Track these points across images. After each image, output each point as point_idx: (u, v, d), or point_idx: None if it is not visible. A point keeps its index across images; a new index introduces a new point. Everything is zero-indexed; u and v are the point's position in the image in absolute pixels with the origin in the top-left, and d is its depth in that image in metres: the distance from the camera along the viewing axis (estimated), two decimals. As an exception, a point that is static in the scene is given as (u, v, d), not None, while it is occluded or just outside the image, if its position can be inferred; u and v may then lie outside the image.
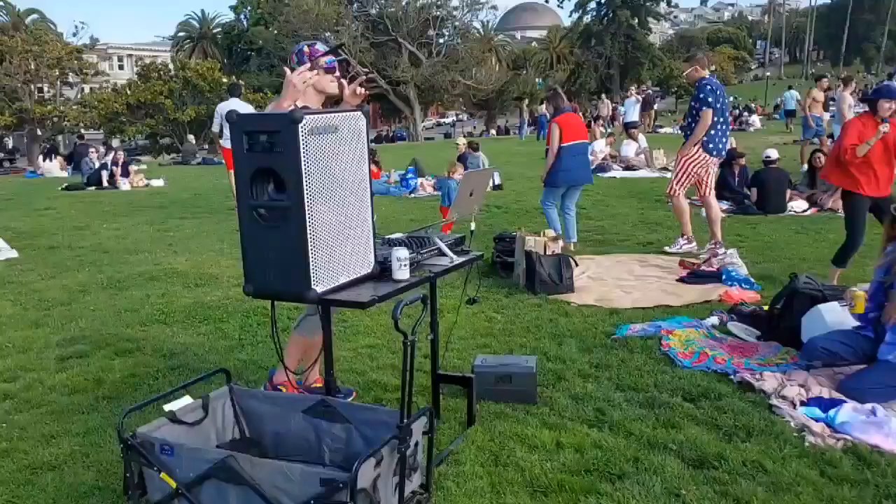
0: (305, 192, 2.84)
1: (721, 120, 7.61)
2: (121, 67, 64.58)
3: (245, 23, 64.66)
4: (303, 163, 2.81)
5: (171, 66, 43.35)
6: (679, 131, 8.96)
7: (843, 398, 3.98)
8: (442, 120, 71.60)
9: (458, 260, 3.64)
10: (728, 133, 7.87)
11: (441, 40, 47.69)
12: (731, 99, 51.11)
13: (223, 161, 12.34)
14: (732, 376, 4.40)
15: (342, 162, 3.03)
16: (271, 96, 35.43)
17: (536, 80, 60.46)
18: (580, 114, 24.37)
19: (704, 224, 8.22)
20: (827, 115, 15.95)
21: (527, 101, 47.60)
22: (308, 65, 3.69)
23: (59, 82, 41.35)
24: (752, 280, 6.52)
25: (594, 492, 3.16)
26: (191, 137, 33.01)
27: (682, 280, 6.73)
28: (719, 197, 10.99)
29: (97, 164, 17.64)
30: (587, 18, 65.20)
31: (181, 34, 71.76)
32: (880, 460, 3.41)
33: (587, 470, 3.35)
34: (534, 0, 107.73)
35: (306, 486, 2.49)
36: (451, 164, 11.49)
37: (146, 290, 6.91)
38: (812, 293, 4.98)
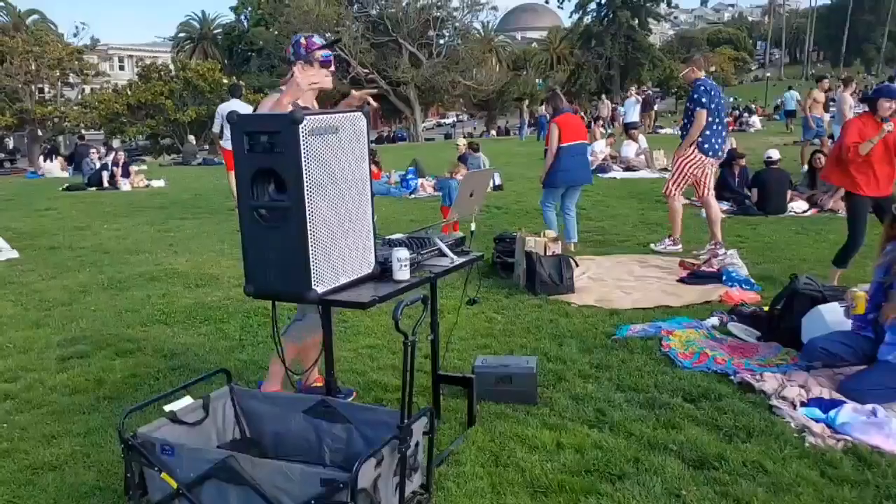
0: (306, 192, 2.84)
1: (716, 121, 7.63)
2: (121, 68, 64.60)
3: (245, 23, 64.68)
4: (303, 163, 2.82)
5: (171, 67, 43.35)
6: (679, 132, 8.97)
7: (844, 399, 3.98)
8: (442, 120, 71.57)
9: (458, 260, 3.65)
10: (725, 134, 7.89)
11: (441, 41, 47.70)
12: (732, 100, 51.21)
13: (223, 162, 12.34)
14: (733, 377, 4.40)
15: (343, 162, 3.03)
16: (271, 97, 35.29)
17: (537, 80, 60.47)
18: (581, 115, 24.46)
19: (705, 225, 8.22)
20: (827, 116, 15.95)
21: (527, 102, 47.65)
22: (316, 68, 3.72)
23: (59, 83, 41.36)
24: (753, 281, 6.52)
25: (594, 492, 3.16)
26: (191, 138, 33.02)
27: (682, 281, 6.73)
28: (720, 197, 11.01)
29: (98, 165, 17.63)
30: (587, 19, 65.19)
31: (182, 35, 71.78)
32: (881, 461, 3.41)
33: (587, 470, 3.35)
34: (534, 1, 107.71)
35: (307, 487, 2.50)
36: (452, 164, 11.50)
37: (147, 290, 6.92)
38: (812, 294, 4.98)
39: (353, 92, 3.80)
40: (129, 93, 39.72)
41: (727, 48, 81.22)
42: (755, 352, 4.83)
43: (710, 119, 7.57)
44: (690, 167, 7.77)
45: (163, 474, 2.73)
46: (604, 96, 38.54)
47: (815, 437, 3.63)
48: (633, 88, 27.14)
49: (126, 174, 17.01)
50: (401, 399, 2.79)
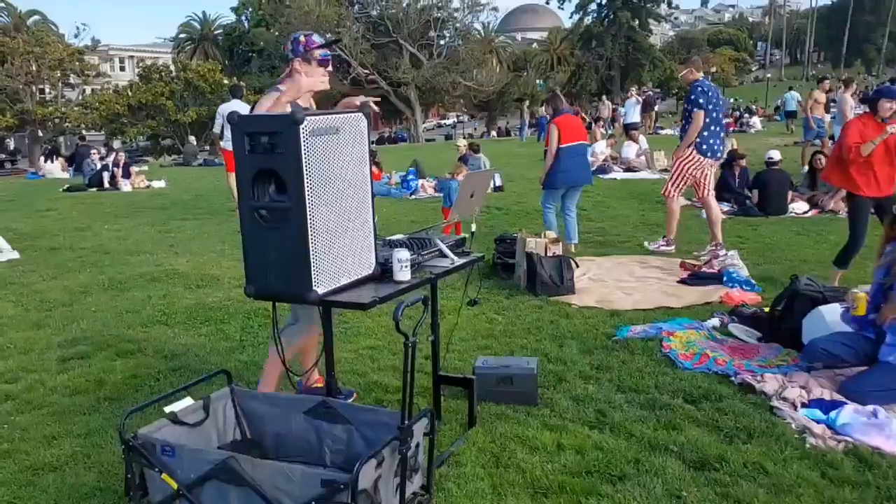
0: (306, 193, 2.84)
1: (714, 122, 7.65)
2: (122, 69, 64.63)
3: (246, 24, 64.71)
4: (304, 164, 2.82)
5: (172, 68, 43.41)
6: (678, 133, 8.99)
7: (845, 400, 3.98)
8: (443, 121, 71.59)
9: (458, 261, 3.64)
10: (723, 135, 7.91)
11: (442, 42, 47.71)
12: (732, 100, 51.21)
13: (224, 163, 12.34)
14: (733, 378, 4.40)
15: (343, 163, 3.03)
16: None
17: (537, 81, 60.52)
18: (583, 116, 24.45)
19: (705, 226, 8.23)
20: (828, 117, 15.95)
21: (527, 103, 47.61)
22: (313, 66, 3.73)
23: (60, 83, 41.42)
24: (753, 282, 6.52)
25: (595, 493, 3.16)
26: (192, 139, 33.05)
27: (682, 281, 6.73)
28: (720, 198, 11.01)
29: (98, 166, 17.64)
30: (588, 20, 65.18)
31: (182, 35, 71.80)
32: (881, 462, 3.41)
33: (588, 471, 3.35)
34: (534, 1, 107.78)
35: (307, 487, 2.50)
36: (454, 165, 11.50)
37: (147, 291, 6.92)
38: (813, 295, 4.98)
39: (357, 99, 3.79)
40: (129, 93, 39.79)
41: (727, 49, 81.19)
42: (756, 353, 4.83)
43: (707, 120, 7.59)
44: (689, 168, 7.78)
45: (163, 475, 2.73)
46: (604, 97, 38.53)
47: (815, 438, 3.63)
48: (633, 89, 27.07)
49: (127, 175, 17.01)
50: (401, 400, 2.79)
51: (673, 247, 8.14)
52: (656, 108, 31.52)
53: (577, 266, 6.68)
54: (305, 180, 2.83)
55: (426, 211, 11.72)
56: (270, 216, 2.97)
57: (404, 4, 45.93)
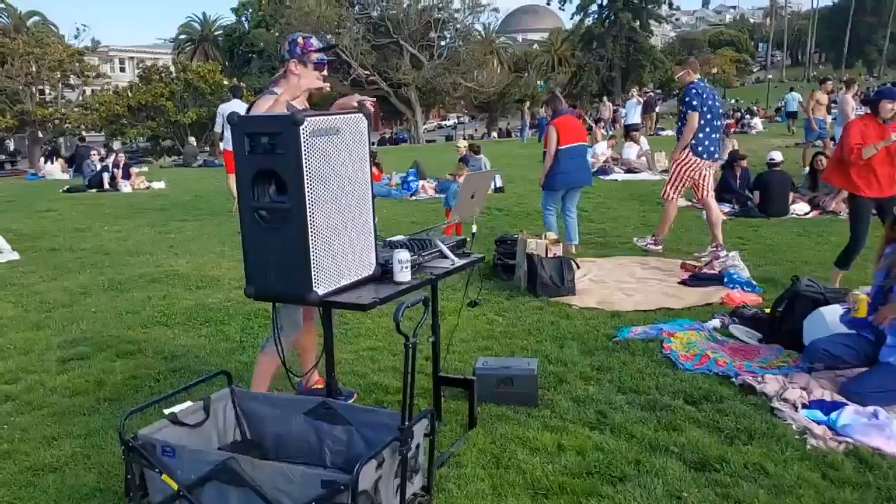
0: (307, 193, 2.84)
1: (710, 123, 7.66)
2: (122, 70, 64.66)
3: (246, 25, 64.77)
4: (304, 164, 2.81)
5: (172, 69, 43.43)
6: (677, 134, 9.00)
7: (845, 401, 3.98)
8: (443, 122, 71.60)
9: (459, 262, 3.64)
10: (719, 136, 7.91)
11: (442, 43, 47.68)
12: (733, 101, 51.22)
13: (223, 164, 12.33)
14: (734, 379, 4.39)
15: (343, 164, 3.03)
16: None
17: (538, 82, 60.46)
18: (585, 117, 24.44)
19: (706, 227, 8.22)
20: (829, 118, 15.95)
21: (528, 104, 47.60)
22: (309, 69, 3.73)
23: (60, 84, 41.43)
24: (754, 283, 6.52)
25: (595, 494, 3.15)
26: (192, 140, 33.03)
27: (683, 283, 6.72)
28: (722, 199, 11.02)
29: (98, 167, 17.64)
30: (589, 21, 65.25)
31: (182, 36, 71.85)
32: (882, 463, 3.40)
33: (588, 472, 3.35)
34: (535, 2, 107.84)
35: (307, 488, 2.49)
36: (456, 167, 11.51)
37: (147, 292, 6.92)
38: (814, 296, 4.98)
39: (353, 99, 3.78)
40: (129, 94, 39.80)
41: (729, 50, 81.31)
42: (757, 354, 4.83)
43: (702, 122, 7.61)
44: (686, 170, 7.80)
45: (163, 476, 2.72)
46: (605, 98, 38.53)
47: (816, 439, 3.63)
48: (634, 90, 27.07)
49: (126, 176, 17.01)
50: (402, 401, 2.78)
51: (660, 247, 8.17)
52: (657, 109, 31.47)
53: (578, 267, 6.68)
54: (306, 181, 2.83)
55: (426, 212, 11.72)
56: (270, 217, 2.97)
57: (405, 5, 45.92)
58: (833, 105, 17.14)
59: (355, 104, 3.69)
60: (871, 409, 3.85)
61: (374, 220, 3.26)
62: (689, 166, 7.76)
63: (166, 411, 3.01)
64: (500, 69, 55.70)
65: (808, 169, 12.76)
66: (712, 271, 6.83)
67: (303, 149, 2.80)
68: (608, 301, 6.22)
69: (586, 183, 8.40)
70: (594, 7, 64.13)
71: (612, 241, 8.93)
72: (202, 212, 12.46)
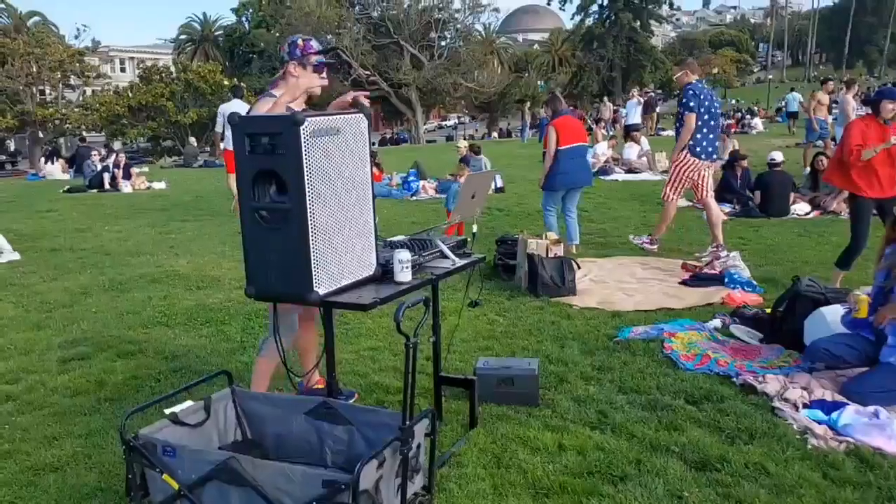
0: (307, 193, 2.84)
1: (708, 124, 7.66)
2: (122, 70, 64.69)
3: (247, 25, 64.76)
4: (305, 165, 2.81)
5: (172, 69, 43.45)
6: (675, 135, 9.01)
7: (846, 401, 3.98)
8: (444, 123, 71.60)
9: (460, 262, 3.64)
10: (717, 137, 7.90)
11: (443, 43, 47.69)
12: (734, 102, 51.20)
13: (224, 164, 12.33)
14: (735, 379, 4.39)
15: (344, 164, 3.03)
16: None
17: (538, 82, 60.44)
18: (586, 118, 24.42)
19: (707, 227, 8.22)
20: (830, 118, 15.95)
21: (529, 104, 47.62)
22: (308, 71, 3.72)
23: (60, 85, 41.48)
24: (755, 283, 6.52)
25: (596, 494, 3.15)
26: (192, 140, 33.02)
27: (684, 283, 6.72)
28: (722, 199, 11.02)
29: (99, 167, 17.64)
30: (589, 21, 65.27)
31: (183, 37, 71.85)
32: (883, 463, 3.40)
33: (589, 472, 3.35)
34: (536, 2, 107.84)
35: (308, 488, 2.49)
36: (457, 167, 11.50)
37: (148, 292, 6.92)
38: (814, 296, 4.98)
39: (348, 96, 3.77)
40: (130, 95, 39.83)
41: (729, 50, 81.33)
42: (757, 354, 4.83)
43: (699, 123, 7.62)
44: (684, 171, 7.81)
45: (164, 475, 2.72)
46: (605, 98, 38.53)
47: (817, 438, 3.63)
48: (635, 90, 27.05)
49: (127, 176, 17.01)
50: (402, 401, 2.78)
51: (656, 246, 8.18)
52: (658, 109, 31.43)
53: (579, 267, 6.68)
54: (306, 181, 2.83)
55: (427, 212, 11.72)
56: (271, 217, 2.97)
57: (405, 5, 45.93)
58: (834, 105, 17.14)
59: (350, 101, 3.70)
60: (871, 408, 3.85)
61: (374, 220, 3.26)
62: (688, 167, 7.77)
63: (167, 411, 3.01)
64: (500, 69, 55.71)
65: (808, 169, 12.76)
66: (713, 271, 6.83)
67: (303, 149, 2.80)
68: (609, 301, 6.22)
69: (586, 183, 8.40)
70: (595, 7, 64.20)
71: (613, 242, 8.92)
72: (203, 212, 12.46)
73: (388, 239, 3.66)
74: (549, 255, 6.54)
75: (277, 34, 49.66)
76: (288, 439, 3.20)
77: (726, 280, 6.51)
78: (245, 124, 2.97)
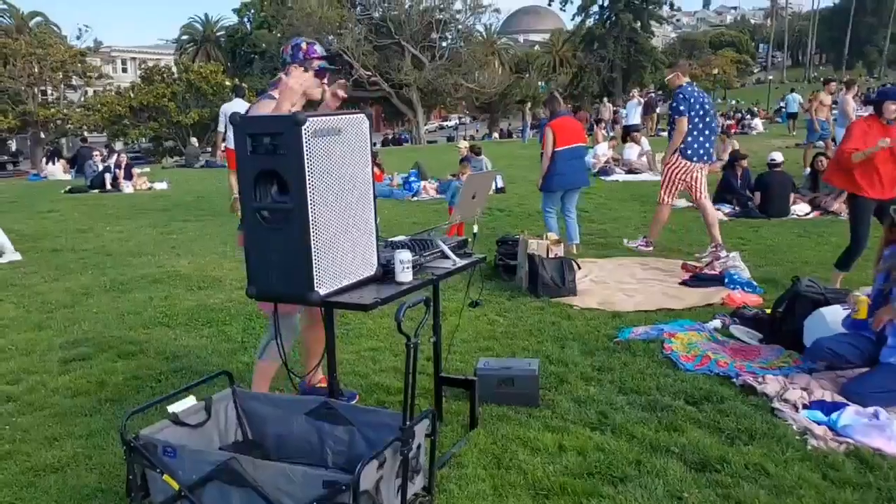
0: (308, 194, 2.84)
1: (700, 126, 7.67)
2: (124, 70, 64.69)
3: (248, 26, 64.68)
4: (306, 165, 2.82)
5: (174, 69, 43.44)
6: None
7: (846, 401, 3.98)
8: (445, 123, 71.60)
9: (460, 263, 3.65)
10: (710, 138, 7.87)
11: (444, 43, 47.71)
12: (734, 102, 51.16)
13: (226, 164, 12.33)
14: (735, 379, 4.39)
15: (345, 164, 3.03)
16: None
17: (539, 83, 60.41)
18: (586, 118, 24.38)
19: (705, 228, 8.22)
20: (831, 119, 15.94)
21: (529, 105, 47.61)
22: (309, 75, 3.72)
23: (62, 85, 41.50)
24: (755, 283, 6.52)
25: (596, 494, 3.16)
26: (194, 140, 33.03)
27: (684, 283, 6.73)
28: (722, 200, 11.03)
29: (100, 167, 17.65)
30: (590, 22, 65.20)
31: (184, 37, 71.82)
32: (882, 463, 3.41)
33: (589, 473, 3.35)
34: (536, 3, 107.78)
35: (309, 488, 2.50)
36: (460, 167, 11.50)
37: (149, 292, 6.92)
38: (814, 297, 4.98)
39: (327, 92, 3.80)
40: (131, 95, 39.81)
41: (729, 51, 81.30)
42: (757, 354, 4.83)
43: (690, 125, 7.64)
44: (677, 174, 7.84)
45: (165, 476, 2.73)
46: (605, 99, 38.50)
47: (817, 439, 3.63)
48: (635, 91, 27.02)
49: (128, 176, 17.02)
50: (403, 401, 2.79)
51: (651, 248, 8.19)
52: (658, 109, 31.41)
53: (579, 268, 6.68)
54: (307, 181, 2.83)
55: (428, 212, 11.73)
56: (272, 217, 2.97)
57: (406, 6, 45.95)
58: (834, 106, 17.13)
59: (334, 94, 3.73)
60: (871, 409, 3.85)
61: (375, 220, 3.26)
62: (679, 169, 7.80)
63: (169, 410, 3.02)
64: (501, 70, 55.71)
65: (808, 170, 12.76)
66: (713, 272, 6.84)
67: (305, 149, 2.81)
68: (609, 301, 6.23)
69: (583, 184, 8.39)
70: (595, 8, 64.10)
71: (613, 242, 8.92)
72: (204, 212, 12.47)
73: (390, 239, 3.67)
74: (550, 256, 6.55)
75: (279, 35, 49.63)
76: (289, 440, 3.20)
77: (726, 280, 6.52)
78: (246, 124, 2.98)
